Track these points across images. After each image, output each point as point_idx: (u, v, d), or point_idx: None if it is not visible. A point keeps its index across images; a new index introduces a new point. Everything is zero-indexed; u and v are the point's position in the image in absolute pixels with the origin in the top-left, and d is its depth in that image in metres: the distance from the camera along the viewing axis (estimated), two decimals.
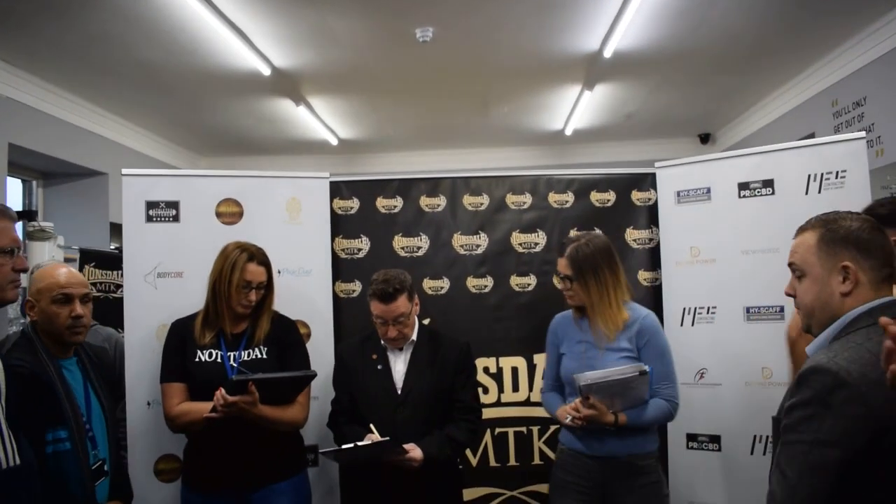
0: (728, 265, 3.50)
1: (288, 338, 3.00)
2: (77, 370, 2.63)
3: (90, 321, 2.73)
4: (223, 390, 2.61)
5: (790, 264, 1.83)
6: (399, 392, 2.92)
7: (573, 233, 3.65)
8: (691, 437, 3.53)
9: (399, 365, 2.98)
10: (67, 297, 2.55)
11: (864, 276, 1.67)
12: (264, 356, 2.90)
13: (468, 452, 3.58)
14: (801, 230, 1.81)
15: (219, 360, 2.86)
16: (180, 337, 2.92)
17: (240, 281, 2.82)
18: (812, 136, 6.19)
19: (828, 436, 1.50)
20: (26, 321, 2.87)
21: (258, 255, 2.91)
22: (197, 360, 2.86)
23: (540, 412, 3.46)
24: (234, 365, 2.84)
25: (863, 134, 3.38)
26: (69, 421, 2.39)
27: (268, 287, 2.94)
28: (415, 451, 2.75)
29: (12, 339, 2.80)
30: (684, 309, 3.60)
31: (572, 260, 2.86)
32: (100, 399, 2.65)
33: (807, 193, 3.35)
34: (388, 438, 2.67)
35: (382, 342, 2.99)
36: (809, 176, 3.34)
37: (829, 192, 3.30)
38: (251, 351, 2.90)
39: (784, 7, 5.17)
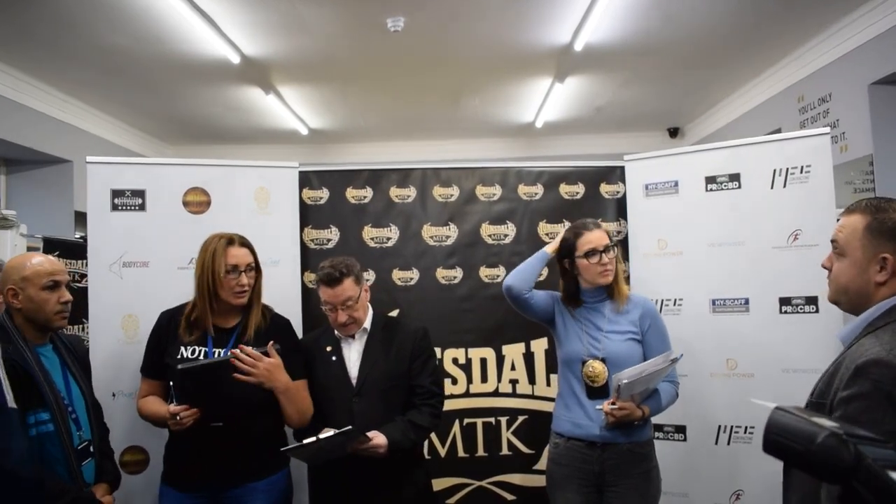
0: (694, 258, 3.54)
1: (283, 343, 2.77)
2: (54, 356, 2.63)
3: None
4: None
5: (833, 241, 1.85)
6: (354, 382, 2.87)
7: (543, 224, 3.68)
8: (657, 428, 3.56)
9: (353, 354, 2.92)
10: (57, 284, 2.59)
11: None
12: None
13: (437, 443, 3.59)
14: (851, 211, 1.83)
15: (202, 357, 2.74)
16: (165, 330, 2.81)
17: (224, 266, 2.71)
18: (778, 131, 6.27)
19: (893, 426, 1.47)
20: None
21: (238, 239, 2.81)
22: (179, 356, 2.74)
23: (509, 403, 3.48)
24: None
25: (827, 130, 3.43)
26: (50, 403, 2.44)
27: (257, 270, 2.85)
28: (378, 438, 2.68)
29: None
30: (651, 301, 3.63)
31: (608, 233, 2.98)
32: (78, 383, 2.66)
33: (772, 188, 3.40)
34: (349, 427, 2.58)
35: (336, 332, 2.94)
36: (775, 171, 3.40)
37: (793, 187, 3.36)
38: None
39: (753, 4, 5.23)
